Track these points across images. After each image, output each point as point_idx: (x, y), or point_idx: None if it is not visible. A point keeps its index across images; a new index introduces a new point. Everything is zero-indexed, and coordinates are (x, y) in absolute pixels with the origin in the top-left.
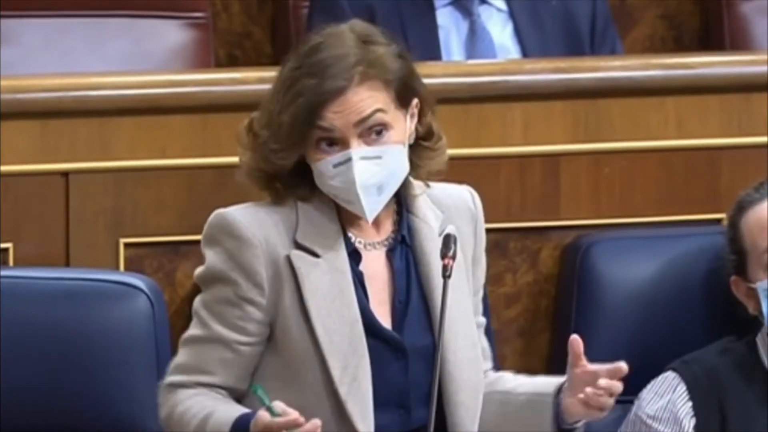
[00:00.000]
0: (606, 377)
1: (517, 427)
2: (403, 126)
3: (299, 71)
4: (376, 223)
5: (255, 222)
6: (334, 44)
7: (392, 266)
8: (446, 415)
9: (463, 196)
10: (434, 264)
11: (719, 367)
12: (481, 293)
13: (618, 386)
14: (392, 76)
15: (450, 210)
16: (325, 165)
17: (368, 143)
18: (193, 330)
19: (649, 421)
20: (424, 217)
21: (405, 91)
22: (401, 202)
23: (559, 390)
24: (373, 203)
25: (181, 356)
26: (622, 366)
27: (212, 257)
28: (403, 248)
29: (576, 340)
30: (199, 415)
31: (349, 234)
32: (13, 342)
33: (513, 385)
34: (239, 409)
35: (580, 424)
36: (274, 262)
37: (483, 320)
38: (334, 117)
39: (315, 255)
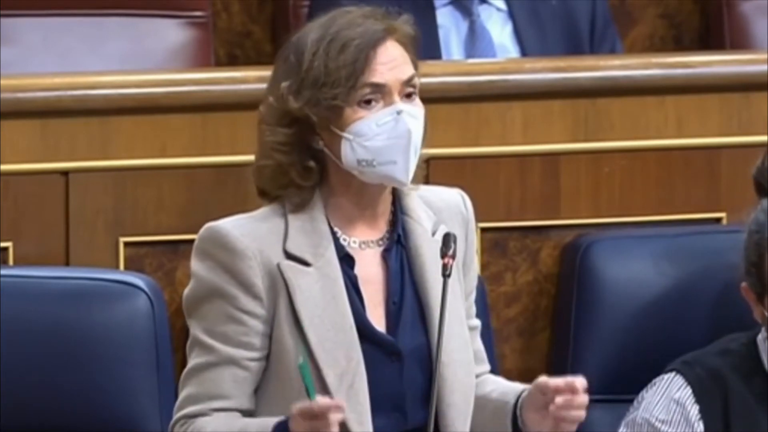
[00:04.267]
0: (564, 393)
1: (487, 430)
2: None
3: (333, 30)
4: (372, 220)
5: (247, 233)
6: (345, 15)
7: (388, 267)
8: (438, 417)
9: (454, 200)
10: (428, 265)
11: (721, 369)
12: (473, 296)
13: (582, 399)
14: (408, 38)
15: (441, 213)
16: (366, 124)
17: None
18: (197, 359)
19: (658, 425)
20: (418, 219)
21: (416, 56)
22: (395, 202)
23: (519, 398)
24: (413, 163)
25: (190, 388)
26: (576, 382)
27: (205, 272)
28: (399, 248)
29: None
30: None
31: (342, 238)
32: (13, 342)
33: (489, 389)
34: (273, 419)
35: None
36: (269, 273)
37: (477, 322)
38: (382, 69)
39: (306, 264)
